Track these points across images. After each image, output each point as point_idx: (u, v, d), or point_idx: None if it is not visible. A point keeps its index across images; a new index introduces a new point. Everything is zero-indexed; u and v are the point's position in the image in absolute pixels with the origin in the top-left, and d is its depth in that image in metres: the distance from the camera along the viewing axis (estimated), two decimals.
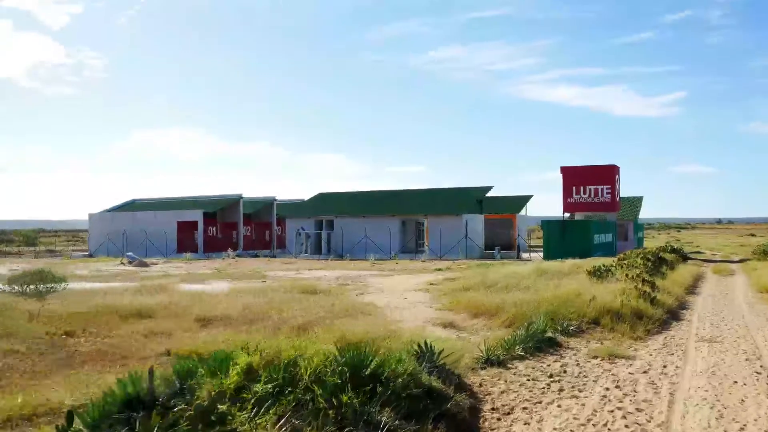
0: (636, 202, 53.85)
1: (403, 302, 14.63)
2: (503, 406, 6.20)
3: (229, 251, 37.56)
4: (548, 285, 15.57)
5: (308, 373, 4.89)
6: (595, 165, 42.68)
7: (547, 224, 34.82)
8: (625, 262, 19.87)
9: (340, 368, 4.93)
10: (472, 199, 43.25)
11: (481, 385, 6.85)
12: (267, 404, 4.37)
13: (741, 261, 34.81)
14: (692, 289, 19.18)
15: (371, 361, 5.17)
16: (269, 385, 4.63)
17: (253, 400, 4.43)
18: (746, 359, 8.50)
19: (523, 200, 60.89)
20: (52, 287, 12.02)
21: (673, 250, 30.14)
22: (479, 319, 12.04)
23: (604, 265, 17.80)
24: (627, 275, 15.57)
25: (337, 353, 5.25)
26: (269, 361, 5.20)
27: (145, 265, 31.09)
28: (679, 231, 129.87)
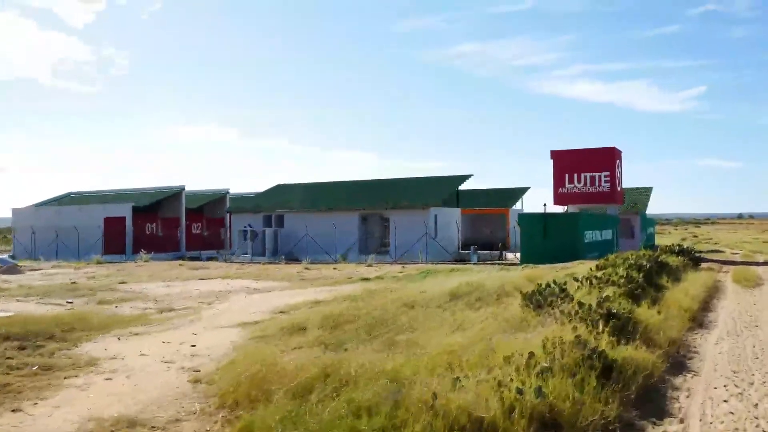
0: (644, 193, 46.69)
1: (174, 354, 8.17)
2: None
3: (142, 253, 31.21)
4: (445, 322, 9.06)
5: None
6: (591, 148, 35.78)
7: (525, 219, 28.00)
8: (598, 274, 13.12)
9: None
10: (446, 190, 36.45)
11: None
12: None
13: None
14: (701, 314, 12.39)
15: None
16: None
17: None
18: None
19: (517, 193, 54.24)
20: None
21: (682, 251, 23.23)
22: (215, 415, 5.52)
23: (556, 282, 11.12)
24: (580, 306, 8.83)
25: None
26: None
27: (17, 271, 24.85)
28: (697, 226, 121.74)
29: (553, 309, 9.20)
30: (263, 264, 29.86)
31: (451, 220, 36.05)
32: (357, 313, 9.83)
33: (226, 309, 12.61)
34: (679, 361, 8.06)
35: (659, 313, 10.15)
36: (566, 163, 35.58)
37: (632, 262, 15.57)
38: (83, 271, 25.50)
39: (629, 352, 7.10)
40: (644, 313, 9.76)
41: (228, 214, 44.50)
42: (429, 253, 31.77)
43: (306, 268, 26.32)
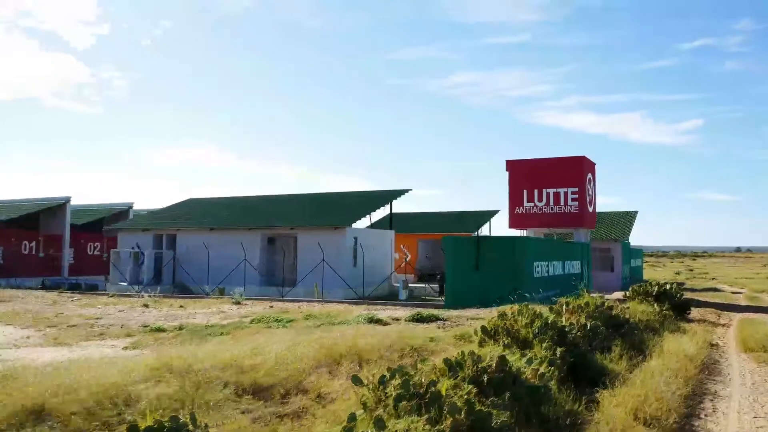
0: (627, 218, 39.42)
1: None
2: None
3: None
4: None
5: None
6: (555, 157, 28.68)
7: (451, 245, 20.61)
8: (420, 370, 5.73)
9: None
10: (373, 208, 29.14)
11: None
12: None
13: None
14: None
15: None
16: None
17: None
18: None
19: (484, 216, 47.14)
20: None
21: (661, 295, 15.80)
22: None
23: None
24: None
25: None
26: None
27: None
28: (694, 259, 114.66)
29: None
30: (110, 296, 22.41)
31: (381, 244, 28.69)
32: None
33: None
34: None
35: None
36: (525, 176, 28.45)
37: (550, 320, 8.17)
38: None
39: None
40: None
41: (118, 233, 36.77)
42: (343, 285, 24.32)
43: (146, 305, 18.92)
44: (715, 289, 33.84)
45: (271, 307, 18.45)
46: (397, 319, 13.58)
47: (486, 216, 47.20)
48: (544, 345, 7.31)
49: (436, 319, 13.47)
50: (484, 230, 44.92)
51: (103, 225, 38.85)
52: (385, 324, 12.75)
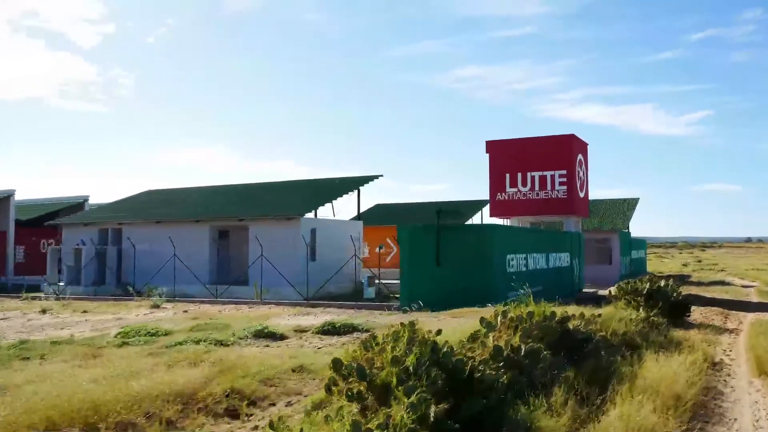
0: (626, 206, 36.03)
1: None
2: None
3: None
4: None
5: None
6: (541, 136, 25.45)
7: (406, 235, 17.41)
8: None
9: None
10: (336, 195, 26.01)
11: None
12: None
13: None
14: None
15: None
16: None
17: None
18: None
19: (475, 206, 44.00)
20: None
21: (655, 293, 12.62)
22: None
23: None
24: None
25: None
26: None
27: None
28: (703, 250, 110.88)
29: None
30: (22, 299, 19.48)
31: (345, 236, 25.55)
32: None
33: None
34: None
35: None
36: (507, 158, 25.25)
37: (447, 347, 5.05)
38: None
39: None
40: None
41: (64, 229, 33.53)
42: (294, 282, 21.21)
43: (43, 311, 15.94)
44: (724, 282, 30.54)
45: (185, 311, 15.40)
46: (304, 331, 10.47)
47: (478, 205, 44.13)
48: (412, 398, 4.19)
49: (354, 330, 10.36)
50: (476, 219, 41.99)
51: (56, 222, 35.90)
52: (281, 338, 9.66)
